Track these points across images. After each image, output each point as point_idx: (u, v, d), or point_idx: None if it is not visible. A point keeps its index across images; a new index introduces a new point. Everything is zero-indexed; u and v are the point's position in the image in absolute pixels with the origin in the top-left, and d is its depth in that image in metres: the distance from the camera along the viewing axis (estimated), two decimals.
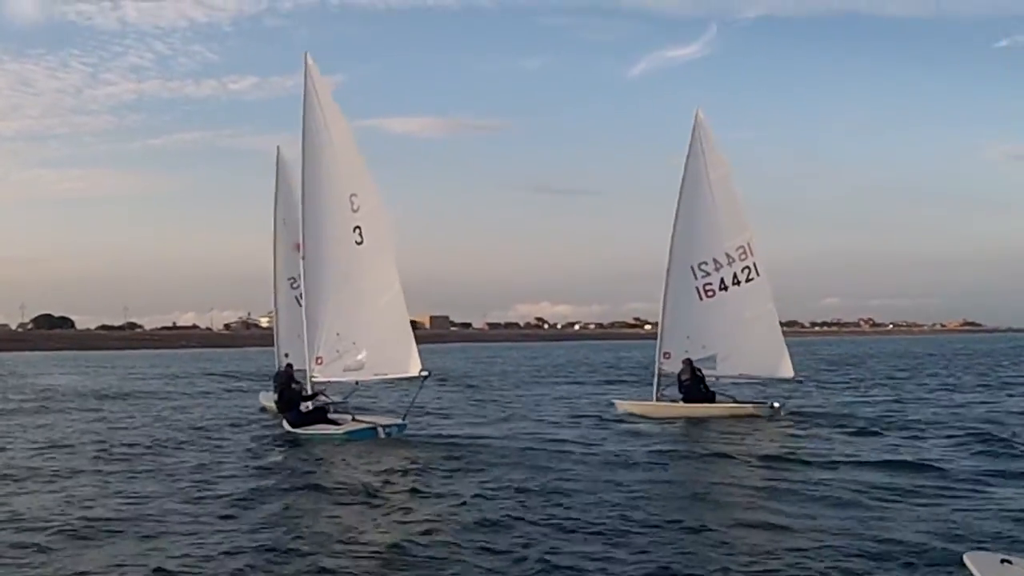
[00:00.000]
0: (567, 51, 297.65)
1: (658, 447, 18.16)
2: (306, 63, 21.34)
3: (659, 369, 25.12)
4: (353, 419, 20.04)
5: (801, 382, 25.90)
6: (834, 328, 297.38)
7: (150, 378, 48.50)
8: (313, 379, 20.78)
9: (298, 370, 26.43)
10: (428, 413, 25.46)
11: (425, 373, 20.36)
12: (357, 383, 21.12)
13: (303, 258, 21.35)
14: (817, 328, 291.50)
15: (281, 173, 28.21)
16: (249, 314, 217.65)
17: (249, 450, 18.59)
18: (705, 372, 24.49)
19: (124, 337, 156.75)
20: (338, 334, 20.93)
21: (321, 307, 21.06)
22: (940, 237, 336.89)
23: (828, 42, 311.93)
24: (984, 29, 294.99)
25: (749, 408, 23.59)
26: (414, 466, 15.93)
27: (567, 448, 17.71)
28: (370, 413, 21.25)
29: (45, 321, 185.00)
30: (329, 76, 21.81)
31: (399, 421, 20.00)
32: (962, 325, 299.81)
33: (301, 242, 21.44)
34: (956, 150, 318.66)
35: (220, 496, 13.27)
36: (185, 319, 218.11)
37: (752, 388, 26.64)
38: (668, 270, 25.29)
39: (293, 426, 20.11)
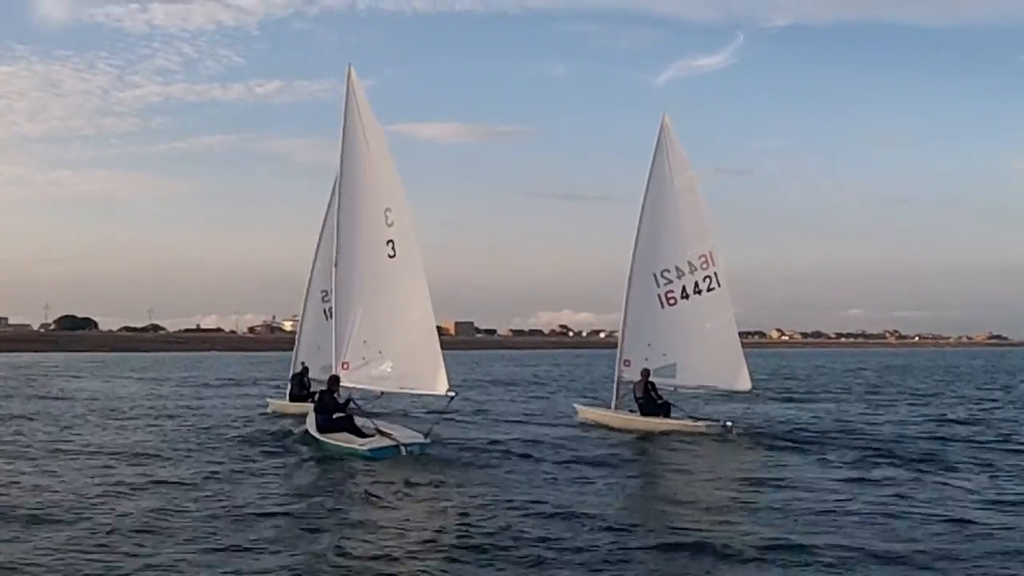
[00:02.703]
0: (593, 59, 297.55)
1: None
2: (349, 75, 21.31)
3: (619, 377, 24.97)
4: (378, 431, 19.56)
5: (759, 395, 25.83)
6: (859, 339, 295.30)
7: (171, 382, 48.36)
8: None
9: (314, 379, 26.30)
10: (469, 424, 25.09)
11: (452, 393, 19.93)
12: (381, 393, 20.94)
13: (335, 265, 21.12)
14: (843, 339, 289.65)
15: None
16: (274, 317, 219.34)
17: (262, 460, 18.32)
18: (665, 382, 24.25)
19: (149, 339, 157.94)
20: (365, 342, 20.70)
21: (351, 314, 20.82)
22: (966, 249, 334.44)
23: (855, 51, 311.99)
24: (1008, 41, 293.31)
25: (701, 427, 23.02)
26: (428, 488, 15.19)
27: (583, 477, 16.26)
28: (394, 424, 20.54)
29: (68, 322, 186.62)
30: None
31: (421, 440, 19.31)
32: (988, 338, 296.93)
33: (335, 250, 21.20)
34: (981, 161, 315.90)
35: (234, 507, 13.03)
36: (208, 322, 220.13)
37: (712, 402, 26.40)
38: (630, 277, 25.05)
39: (320, 430, 19.84)
